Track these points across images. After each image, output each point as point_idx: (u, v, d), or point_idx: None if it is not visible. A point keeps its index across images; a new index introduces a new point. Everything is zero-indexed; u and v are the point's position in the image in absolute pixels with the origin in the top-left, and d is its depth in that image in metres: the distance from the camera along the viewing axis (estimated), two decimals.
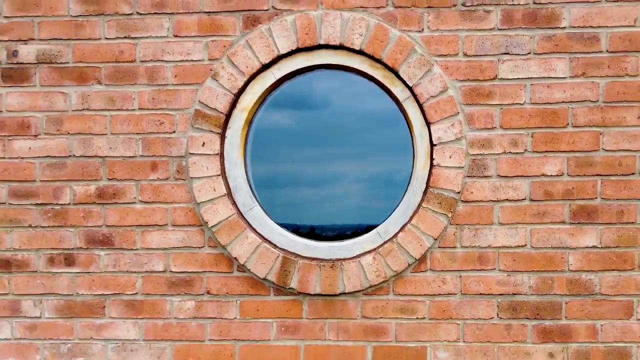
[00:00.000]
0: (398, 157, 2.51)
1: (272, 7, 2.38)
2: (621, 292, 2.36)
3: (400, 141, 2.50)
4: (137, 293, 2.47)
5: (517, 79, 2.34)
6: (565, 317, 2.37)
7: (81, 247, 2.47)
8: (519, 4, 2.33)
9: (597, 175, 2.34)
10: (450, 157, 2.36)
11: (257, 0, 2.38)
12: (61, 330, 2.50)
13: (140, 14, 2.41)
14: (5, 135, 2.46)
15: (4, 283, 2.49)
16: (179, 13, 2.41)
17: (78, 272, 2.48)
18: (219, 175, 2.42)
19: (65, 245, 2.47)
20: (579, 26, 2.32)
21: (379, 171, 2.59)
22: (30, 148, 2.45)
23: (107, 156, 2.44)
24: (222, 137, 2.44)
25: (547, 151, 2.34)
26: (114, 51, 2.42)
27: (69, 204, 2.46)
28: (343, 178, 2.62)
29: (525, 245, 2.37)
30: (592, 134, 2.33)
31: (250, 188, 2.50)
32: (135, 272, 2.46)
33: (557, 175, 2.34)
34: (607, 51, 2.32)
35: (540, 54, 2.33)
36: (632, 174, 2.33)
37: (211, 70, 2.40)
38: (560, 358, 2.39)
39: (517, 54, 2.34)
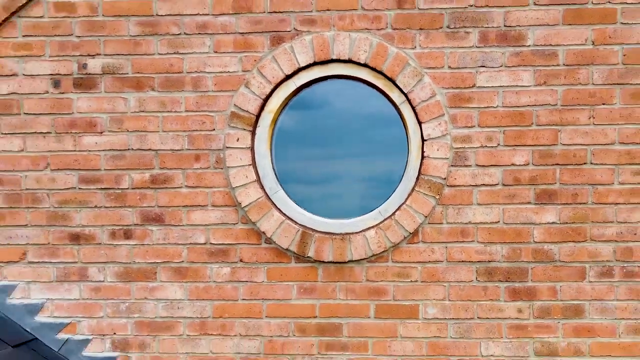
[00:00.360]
0: (394, 150, 3.04)
1: (294, 28, 2.91)
2: (576, 259, 2.89)
3: (397, 140, 3.04)
4: (182, 261, 2.99)
5: (492, 87, 2.85)
6: (531, 280, 2.89)
7: (137, 224, 3.00)
8: (493, 27, 2.86)
9: (556, 164, 2.85)
10: (437, 150, 2.88)
11: (281, 23, 2.91)
12: (120, 291, 3.02)
13: (187, 34, 2.95)
14: (76, 132, 3.00)
15: (74, 253, 3.03)
16: (218, 34, 2.94)
17: (134, 244, 3.00)
18: (250, 164, 2.94)
19: (125, 222, 3.00)
20: (541, 44, 2.85)
21: (380, 161, 3.11)
22: (96, 143, 2.99)
23: (159, 149, 2.97)
24: (253, 133, 2.96)
25: (516, 145, 2.86)
26: (165, 64, 2.95)
27: (128, 188, 3.00)
28: (353, 160, 3.15)
29: (499, 221, 2.89)
30: (552, 131, 2.85)
31: (275, 175, 3.02)
32: (181, 244, 2.99)
33: (524, 165, 2.86)
34: (564, 64, 2.85)
35: (510, 66, 2.85)
36: (584, 163, 2.85)
37: (244, 79, 2.93)
38: (527, 313, 2.91)
39: (492, 67, 2.86)
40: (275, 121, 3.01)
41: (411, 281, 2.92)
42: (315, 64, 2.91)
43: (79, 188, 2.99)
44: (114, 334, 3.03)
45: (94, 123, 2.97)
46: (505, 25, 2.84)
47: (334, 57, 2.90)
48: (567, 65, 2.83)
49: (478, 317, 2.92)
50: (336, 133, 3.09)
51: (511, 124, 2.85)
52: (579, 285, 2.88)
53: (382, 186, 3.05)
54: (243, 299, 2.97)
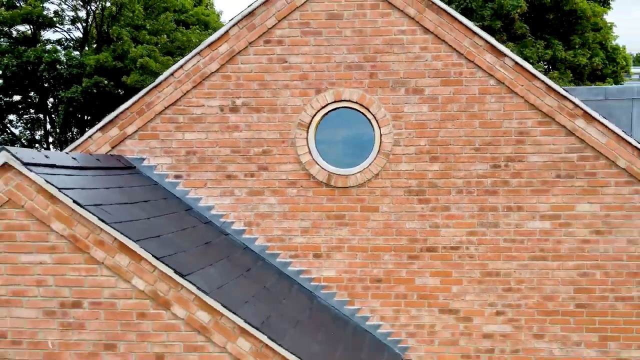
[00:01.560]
0: (369, 139, 6.82)
1: (325, 87, 6.72)
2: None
3: (369, 135, 6.82)
4: (277, 188, 6.85)
5: (410, 112, 6.67)
6: (427, 194, 6.71)
7: (253, 170, 6.86)
8: (410, 85, 6.67)
9: (437, 145, 6.68)
10: (387, 139, 6.67)
11: (320, 84, 6.73)
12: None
13: (279, 88, 6.76)
14: (231, 131, 6.85)
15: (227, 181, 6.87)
16: (294, 88, 6.76)
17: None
18: (305, 145, 6.73)
19: (249, 169, 6.85)
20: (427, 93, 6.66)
21: (363, 144, 6.89)
22: (239, 135, 6.84)
23: (266, 138, 6.82)
24: (307, 132, 6.76)
25: (421, 137, 6.67)
26: (269, 101, 6.79)
27: (253, 154, 6.84)
28: (346, 145, 6.93)
29: (413, 169, 6.70)
30: (435, 131, 6.68)
31: (317, 151, 6.81)
32: (274, 179, 6.85)
33: (424, 145, 6.68)
34: (441, 102, 6.66)
35: (417, 103, 6.67)
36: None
37: (303, 108, 6.74)
38: (425, 208, 6.73)
39: (411, 103, 6.67)
40: (317, 126, 6.81)
41: (376, 195, 6.72)
42: (334, 102, 6.72)
43: (231, 154, 6.81)
44: (245, 219, 6.86)
45: (238, 127, 6.80)
46: (416, 85, 6.64)
47: (343, 98, 6.71)
48: (442, 103, 6.62)
49: (405, 211, 6.71)
50: (344, 132, 6.90)
51: (418, 128, 6.64)
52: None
53: (364, 154, 6.84)
54: (302, 204, 6.78)
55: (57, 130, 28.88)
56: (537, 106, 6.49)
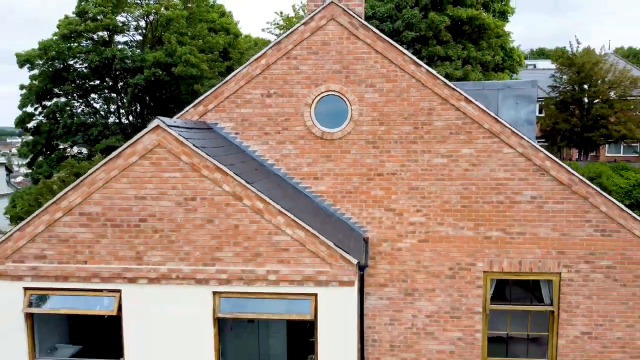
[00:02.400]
0: (343, 112, 9.06)
1: (321, 82, 8.93)
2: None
3: (344, 109, 9.05)
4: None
5: (370, 95, 8.92)
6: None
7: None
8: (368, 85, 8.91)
9: (382, 126, 8.97)
10: (355, 111, 8.91)
11: (317, 79, 8.93)
12: None
13: (295, 87, 8.98)
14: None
15: None
16: (301, 82, 8.97)
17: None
18: (310, 119, 9.02)
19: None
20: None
21: (340, 116, 9.13)
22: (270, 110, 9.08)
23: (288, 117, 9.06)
24: (310, 109, 8.98)
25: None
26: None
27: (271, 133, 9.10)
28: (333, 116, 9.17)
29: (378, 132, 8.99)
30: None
31: (317, 119, 9.07)
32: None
33: (386, 115, 8.95)
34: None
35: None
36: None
37: (308, 95, 8.95)
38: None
39: (370, 89, 8.91)
40: (316, 105, 9.00)
41: (348, 144, 8.96)
42: (325, 91, 8.90)
43: (267, 121, 9.05)
44: None
45: (271, 105, 8.99)
46: (371, 82, 8.88)
47: (330, 89, 8.90)
48: (386, 91, 8.87)
49: (365, 153, 9.03)
50: (331, 108, 9.12)
51: (372, 106, 8.90)
52: None
53: (342, 121, 9.07)
54: (307, 149, 9.04)
55: (126, 105, 30.80)
56: (439, 94, 8.72)
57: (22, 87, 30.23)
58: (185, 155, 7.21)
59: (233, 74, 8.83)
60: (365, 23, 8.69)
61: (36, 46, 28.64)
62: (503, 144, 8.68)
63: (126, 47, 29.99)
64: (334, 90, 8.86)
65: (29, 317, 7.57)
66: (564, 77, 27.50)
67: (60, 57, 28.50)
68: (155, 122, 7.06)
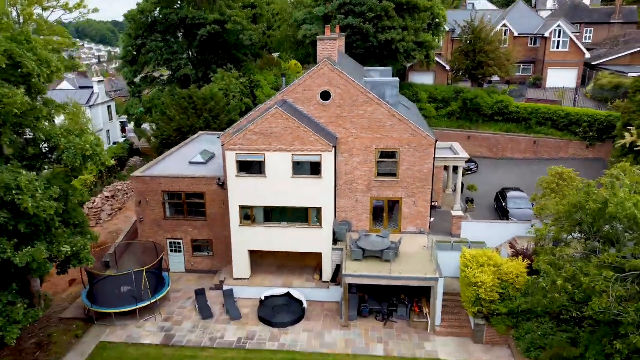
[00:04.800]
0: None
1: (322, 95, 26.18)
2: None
3: None
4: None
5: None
6: None
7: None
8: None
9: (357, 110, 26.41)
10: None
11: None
12: None
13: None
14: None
15: None
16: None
17: None
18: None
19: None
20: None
21: None
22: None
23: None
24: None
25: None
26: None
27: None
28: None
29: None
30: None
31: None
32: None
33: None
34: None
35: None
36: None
37: (318, 93, 26.22)
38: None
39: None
40: (320, 94, 26.31)
41: (332, 107, 26.44)
42: (324, 89, 26.16)
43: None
44: None
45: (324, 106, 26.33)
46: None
47: (324, 88, 26.18)
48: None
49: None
50: (325, 95, 26.47)
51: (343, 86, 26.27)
52: None
53: (328, 99, 26.43)
54: (317, 109, 26.52)
55: (194, 47, 46.78)
56: (362, 92, 26.05)
57: (123, 35, 45.93)
58: (282, 114, 24.68)
59: (296, 83, 26.03)
60: (337, 67, 25.77)
61: (135, 7, 44.00)
62: (381, 107, 26.29)
63: (191, 7, 45.36)
64: (326, 88, 26.19)
65: (237, 163, 25.49)
66: (464, 36, 43.78)
67: (151, 15, 43.98)
68: (274, 107, 24.39)
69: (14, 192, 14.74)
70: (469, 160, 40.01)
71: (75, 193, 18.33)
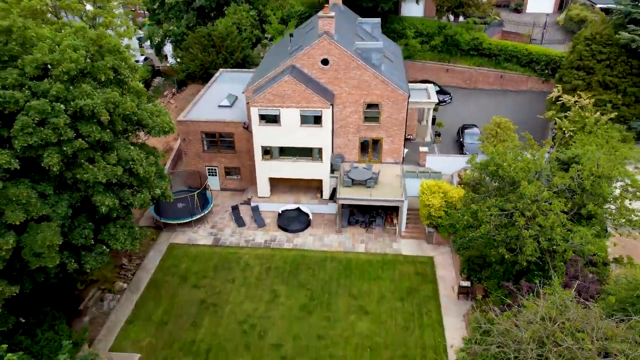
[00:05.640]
0: None
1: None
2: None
3: None
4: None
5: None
6: None
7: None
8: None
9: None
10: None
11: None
12: None
13: None
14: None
15: None
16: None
17: None
18: None
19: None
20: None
21: None
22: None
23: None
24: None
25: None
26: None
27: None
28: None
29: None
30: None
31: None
32: None
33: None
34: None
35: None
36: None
37: (319, 60, 33.96)
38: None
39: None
40: (320, 60, 34.08)
41: (330, 70, 34.36)
42: (323, 57, 33.92)
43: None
44: None
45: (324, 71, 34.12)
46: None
47: (323, 56, 33.96)
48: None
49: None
50: (324, 61, 34.27)
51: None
52: None
53: (327, 64, 34.29)
54: (318, 72, 34.46)
55: None
56: (353, 59, 33.78)
57: None
58: (292, 81, 32.70)
59: (302, 52, 33.72)
60: (334, 40, 33.28)
61: None
62: (367, 71, 34.24)
63: None
64: (325, 56, 33.95)
65: (259, 116, 34.01)
66: None
67: None
68: (286, 73, 32.33)
69: (130, 162, 23.65)
70: (444, 93, 48.20)
71: (160, 154, 27.27)
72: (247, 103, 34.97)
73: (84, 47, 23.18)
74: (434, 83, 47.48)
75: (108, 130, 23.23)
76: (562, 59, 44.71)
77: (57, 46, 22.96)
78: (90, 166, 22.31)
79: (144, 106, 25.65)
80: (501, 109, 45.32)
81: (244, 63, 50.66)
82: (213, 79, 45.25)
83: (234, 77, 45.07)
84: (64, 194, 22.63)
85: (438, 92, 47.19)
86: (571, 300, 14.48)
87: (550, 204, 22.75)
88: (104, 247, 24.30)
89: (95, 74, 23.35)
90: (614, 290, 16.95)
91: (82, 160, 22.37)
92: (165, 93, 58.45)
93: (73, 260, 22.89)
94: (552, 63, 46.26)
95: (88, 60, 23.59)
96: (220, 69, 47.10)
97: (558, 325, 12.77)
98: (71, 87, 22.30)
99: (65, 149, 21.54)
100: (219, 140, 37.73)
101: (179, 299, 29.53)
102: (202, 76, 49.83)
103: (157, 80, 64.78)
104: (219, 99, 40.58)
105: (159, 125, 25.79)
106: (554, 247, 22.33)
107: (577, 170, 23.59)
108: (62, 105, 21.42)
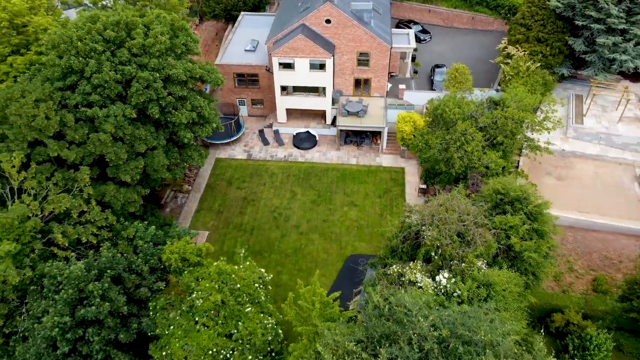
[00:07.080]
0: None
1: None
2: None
3: None
4: None
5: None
6: None
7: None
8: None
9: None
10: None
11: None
12: None
13: None
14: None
15: None
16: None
17: None
18: None
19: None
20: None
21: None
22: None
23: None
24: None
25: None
26: None
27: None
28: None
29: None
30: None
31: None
32: None
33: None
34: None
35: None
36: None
37: (322, 20, 44.38)
38: None
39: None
40: (324, 21, 44.51)
41: (332, 28, 44.91)
42: (327, 20, 44.33)
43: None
44: None
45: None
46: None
47: (328, 18, 44.37)
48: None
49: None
50: (327, 21, 44.72)
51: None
52: None
53: (329, 23, 44.78)
54: (325, 29, 45.00)
55: None
56: (355, 25, 44.20)
57: None
58: (303, 38, 43.44)
59: (311, 14, 44.10)
60: (335, 6, 43.59)
61: None
62: (360, 29, 44.83)
63: None
64: (328, 17, 44.36)
65: (279, 64, 45.26)
66: None
67: None
68: (299, 32, 43.00)
69: (198, 108, 36.02)
70: (425, 32, 58.33)
71: (214, 100, 39.52)
72: (269, 54, 46.00)
73: (167, 31, 34.35)
74: (417, 23, 57.55)
75: (184, 87, 35.18)
76: (521, 6, 54.38)
77: (147, 29, 34.12)
78: (176, 112, 34.58)
79: (204, 67, 37.21)
80: (472, 47, 55.82)
81: (260, 4, 60.15)
82: (237, 23, 55.37)
83: (254, 20, 55.22)
84: (160, 130, 35.17)
85: (420, 32, 57.51)
86: (459, 194, 27.52)
87: (473, 138, 35.32)
88: (184, 163, 37.32)
89: (174, 49, 34.81)
90: (485, 189, 29.71)
91: (171, 109, 34.62)
92: (190, 24, 68.15)
93: (168, 173, 36.01)
94: (513, 8, 55.91)
95: (169, 40, 34.93)
96: (242, 12, 56.95)
97: (444, 206, 25.81)
98: (161, 60, 33.92)
99: (161, 102, 33.68)
100: (247, 79, 49.19)
101: (228, 196, 43.06)
102: (226, 17, 59.70)
103: (181, 13, 73.78)
104: (244, 43, 51.28)
105: (214, 81, 37.59)
106: (473, 164, 35.27)
107: (492, 115, 35.83)
108: (157, 74, 33.22)
